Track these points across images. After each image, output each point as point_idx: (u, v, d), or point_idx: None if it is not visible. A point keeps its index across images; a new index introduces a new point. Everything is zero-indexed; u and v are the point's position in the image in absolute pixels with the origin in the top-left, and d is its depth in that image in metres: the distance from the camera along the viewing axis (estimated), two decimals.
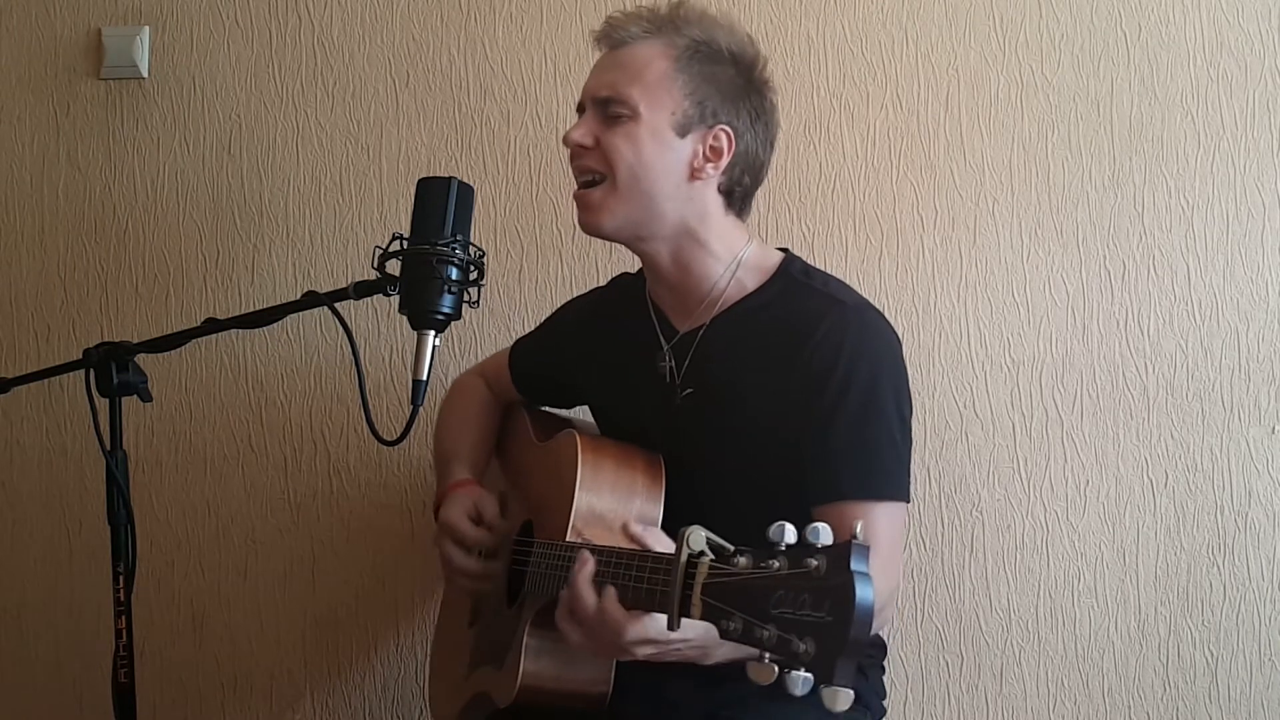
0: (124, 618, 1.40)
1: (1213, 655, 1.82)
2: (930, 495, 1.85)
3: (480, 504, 1.54)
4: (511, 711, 1.37)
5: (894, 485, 1.35)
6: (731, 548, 0.96)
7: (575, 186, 1.44)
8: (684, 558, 0.97)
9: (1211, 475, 1.82)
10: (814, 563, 0.85)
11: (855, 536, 0.84)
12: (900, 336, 1.43)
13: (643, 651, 1.14)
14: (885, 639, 1.59)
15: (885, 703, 1.54)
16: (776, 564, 0.88)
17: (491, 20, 1.96)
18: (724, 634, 0.91)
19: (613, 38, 1.42)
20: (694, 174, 1.39)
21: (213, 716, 2.02)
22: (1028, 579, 1.84)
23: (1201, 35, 1.83)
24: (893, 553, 1.33)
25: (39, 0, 2.04)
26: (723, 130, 1.39)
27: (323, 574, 2.01)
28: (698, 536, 0.98)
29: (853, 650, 0.81)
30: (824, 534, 0.87)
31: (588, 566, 1.17)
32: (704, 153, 1.39)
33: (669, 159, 1.38)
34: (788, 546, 0.89)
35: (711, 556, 0.96)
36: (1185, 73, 1.83)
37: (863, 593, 0.82)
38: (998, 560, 1.85)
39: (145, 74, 2.02)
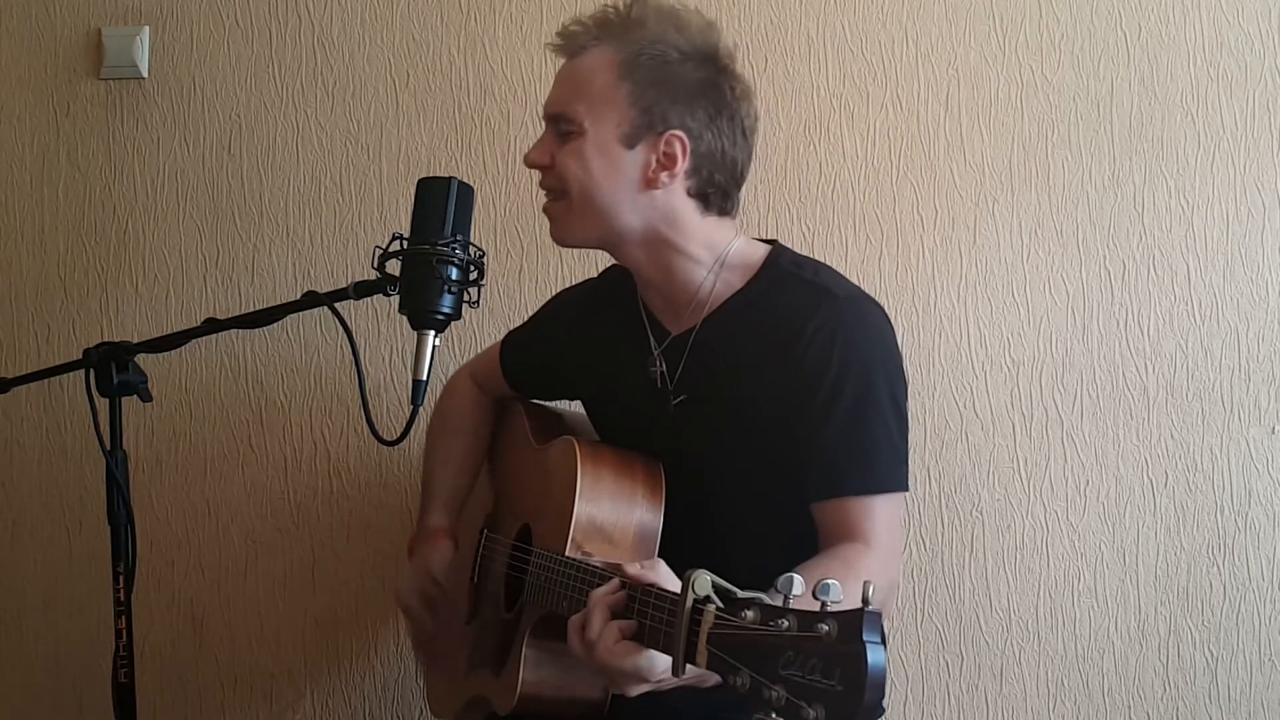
0: (124, 618, 1.40)
1: (1213, 655, 1.82)
2: (930, 495, 1.85)
3: (436, 571, 1.58)
4: (511, 716, 1.37)
5: (893, 477, 1.34)
6: (739, 594, 0.94)
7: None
8: (689, 603, 0.96)
9: (1211, 475, 1.82)
10: (825, 628, 0.84)
11: (868, 601, 0.83)
12: (897, 331, 1.41)
13: (635, 689, 1.11)
14: (885, 636, 1.59)
15: (885, 702, 1.53)
16: (785, 623, 0.87)
17: (491, 20, 1.96)
18: (731, 688, 0.90)
19: (566, 48, 1.41)
20: (649, 184, 1.36)
21: (213, 716, 2.02)
22: (1028, 579, 1.84)
23: (1201, 35, 1.83)
24: (892, 545, 1.32)
25: (39, 0, 2.05)
26: (674, 136, 1.35)
27: (323, 574, 2.01)
28: (703, 581, 0.96)
29: (863, 718, 0.81)
30: (834, 591, 0.86)
31: (615, 596, 1.11)
32: (656, 160, 1.35)
33: (618, 173, 1.36)
34: (796, 601, 0.88)
35: (718, 604, 0.95)
36: (1185, 73, 1.83)
37: (875, 662, 0.82)
38: (998, 560, 1.85)
39: (145, 74, 2.02)
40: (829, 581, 0.86)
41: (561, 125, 1.39)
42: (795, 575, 0.89)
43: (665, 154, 1.36)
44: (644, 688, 1.11)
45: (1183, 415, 1.82)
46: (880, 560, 1.26)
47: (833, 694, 0.83)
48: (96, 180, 2.04)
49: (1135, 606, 1.83)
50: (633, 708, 1.35)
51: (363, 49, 1.99)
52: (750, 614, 0.91)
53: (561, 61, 1.44)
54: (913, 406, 1.56)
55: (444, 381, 1.84)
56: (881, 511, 1.31)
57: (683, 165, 1.36)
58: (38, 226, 2.05)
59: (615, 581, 1.12)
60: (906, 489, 1.36)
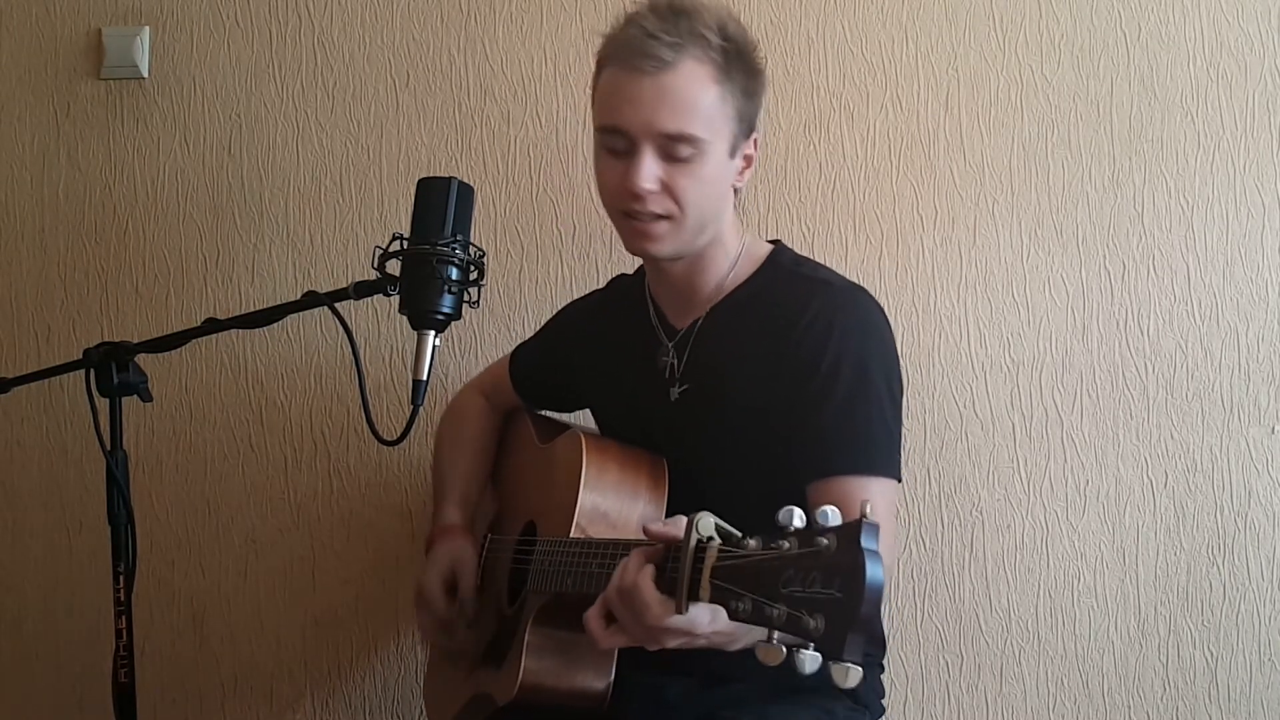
0: (124, 618, 1.41)
1: (1213, 655, 1.82)
2: (930, 495, 1.85)
3: (459, 568, 1.56)
4: (511, 711, 1.37)
5: (886, 462, 1.34)
6: (740, 534, 0.96)
7: (626, 214, 1.37)
8: (693, 542, 0.97)
9: (1211, 475, 1.82)
10: (824, 541, 0.85)
11: (865, 515, 0.84)
12: (897, 331, 1.43)
13: (674, 641, 1.10)
14: (884, 636, 1.59)
15: (884, 702, 1.54)
16: (787, 545, 0.88)
17: (491, 20, 1.96)
18: (733, 615, 0.91)
19: (645, 66, 1.30)
20: (734, 184, 1.40)
21: (213, 716, 2.02)
22: (1028, 579, 1.84)
23: (1201, 35, 1.83)
24: (887, 530, 1.31)
25: (39, 0, 2.04)
26: (754, 139, 1.39)
27: (323, 574, 2.01)
28: (707, 522, 0.98)
29: (863, 626, 0.82)
30: (833, 516, 0.87)
31: (649, 563, 1.10)
32: (742, 164, 1.39)
33: (725, 182, 1.38)
34: (797, 529, 0.89)
35: (720, 541, 0.96)
36: (1185, 73, 1.83)
37: (873, 569, 0.82)
38: (998, 560, 1.85)
39: (145, 74, 2.02)
40: (826, 509, 0.88)
41: (679, 150, 1.31)
42: (795, 508, 0.90)
43: (746, 156, 1.39)
44: (679, 640, 1.09)
45: (1183, 415, 1.82)
46: None
47: (832, 602, 0.83)
48: (96, 180, 2.04)
49: (1135, 606, 1.83)
50: (632, 703, 1.36)
51: (363, 49, 1.99)
52: (753, 543, 0.92)
53: (627, 72, 1.32)
54: (913, 406, 1.57)
55: (444, 382, 1.84)
56: (876, 494, 1.31)
57: (755, 162, 1.41)
58: (38, 226, 2.05)
59: (643, 534, 1.11)
60: (899, 479, 1.36)
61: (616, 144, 1.34)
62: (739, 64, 1.35)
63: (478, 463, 1.71)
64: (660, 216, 1.35)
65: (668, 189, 1.33)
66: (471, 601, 1.55)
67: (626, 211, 1.36)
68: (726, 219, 1.42)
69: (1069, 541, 1.84)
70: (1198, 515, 1.82)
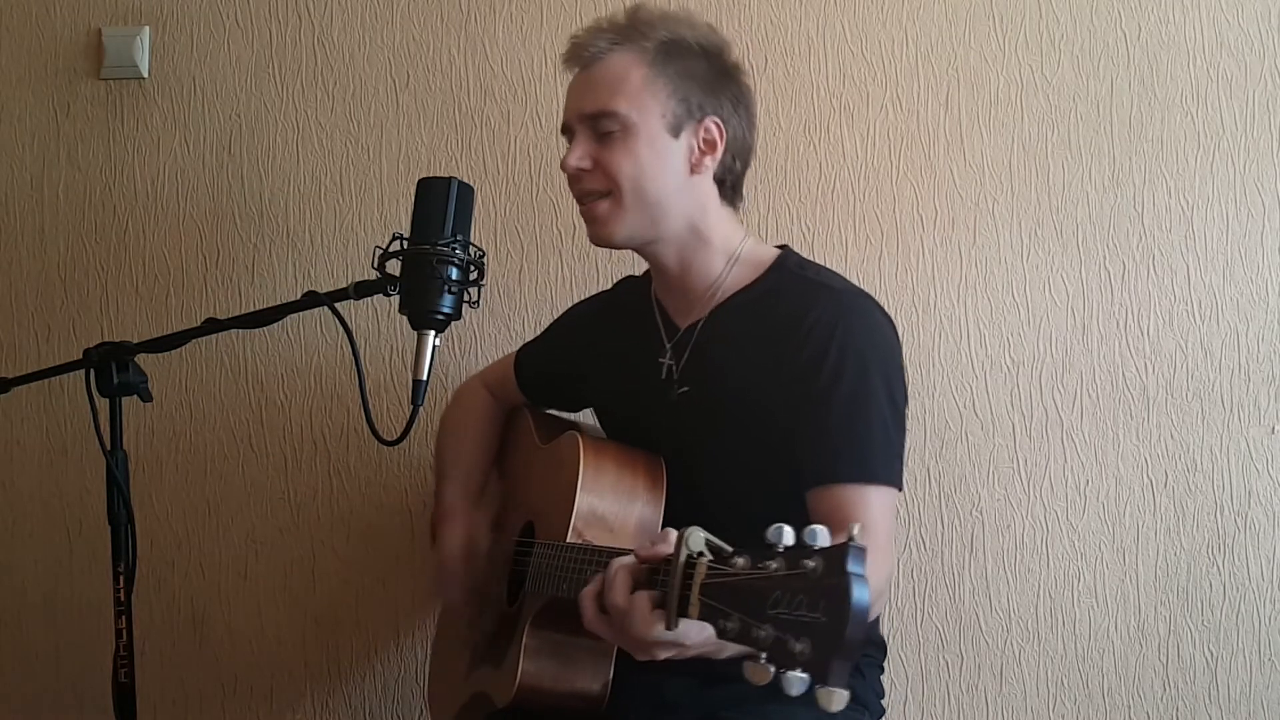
0: (124, 618, 1.41)
1: (1213, 655, 1.82)
2: (930, 495, 1.85)
3: (471, 546, 1.58)
4: (510, 712, 1.37)
5: (886, 470, 1.34)
6: (730, 549, 0.96)
7: (578, 201, 1.44)
8: (683, 558, 0.97)
9: (1211, 475, 1.82)
10: (811, 564, 0.86)
11: (852, 538, 0.84)
12: (899, 332, 1.43)
13: (664, 654, 1.11)
14: (884, 637, 1.59)
15: (884, 702, 1.54)
16: (774, 565, 0.88)
17: (491, 20, 1.97)
18: (721, 634, 0.91)
19: (582, 56, 1.42)
20: (693, 169, 1.41)
21: (213, 716, 2.02)
22: (1028, 579, 1.84)
23: (1201, 35, 1.83)
24: (886, 539, 1.32)
25: (39, 0, 2.05)
26: (712, 121, 1.41)
27: (323, 574, 2.01)
28: (697, 537, 0.98)
29: (848, 651, 0.82)
30: (821, 536, 0.87)
31: (638, 565, 1.10)
32: (699, 146, 1.41)
33: (668, 161, 1.39)
34: (785, 548, 0.89)
35: (710, 557, 0.96)
36: (1185, 73, 1.83)
37: (858, 594, 0.82)
38: (998, 560, 1.85)
39: (145, 74, 2.02)
40: (815, 528, 0.88)
41: (602, 124, 1.39)
42: (785, 526, 0.90)
43: (705, 139, 1.41)
44: (670, 652, 1.10)
45: (1183, 415, 1.82)
46: (873, 552, 1.26)
47: (818, 626, 0.83)
48: (96, 180, 2.04)
49: (1135, 606, 1.83)
50: (631, 703, 1.36)
51: (363, 49, 1.99)
52: (741, 561, 0.92)
53: (575, 72, 1.45)
54: (913, 406, 1.57)
55: (444, 382, 1.85)
56: (876, 503, 1.31)
57: (721, 148, 1.41)
58: (38, 226, 2.05)
59: (633, 556, 1.11)
60: (900, 487, 1.36)
61: (568, 139, 1.44)
62: (681, 53, 1.41)
63: (481, 450, 1.71)
64: (599, 194, 1.40)
65: (600, 165, 1.40)
66: (483, 583, 1.55)
67: (577, 198, 1.44)
68: (699, 209, 1.42)
69: (1069, 541, 1.84)
70: (1198, 515, 1.82)
